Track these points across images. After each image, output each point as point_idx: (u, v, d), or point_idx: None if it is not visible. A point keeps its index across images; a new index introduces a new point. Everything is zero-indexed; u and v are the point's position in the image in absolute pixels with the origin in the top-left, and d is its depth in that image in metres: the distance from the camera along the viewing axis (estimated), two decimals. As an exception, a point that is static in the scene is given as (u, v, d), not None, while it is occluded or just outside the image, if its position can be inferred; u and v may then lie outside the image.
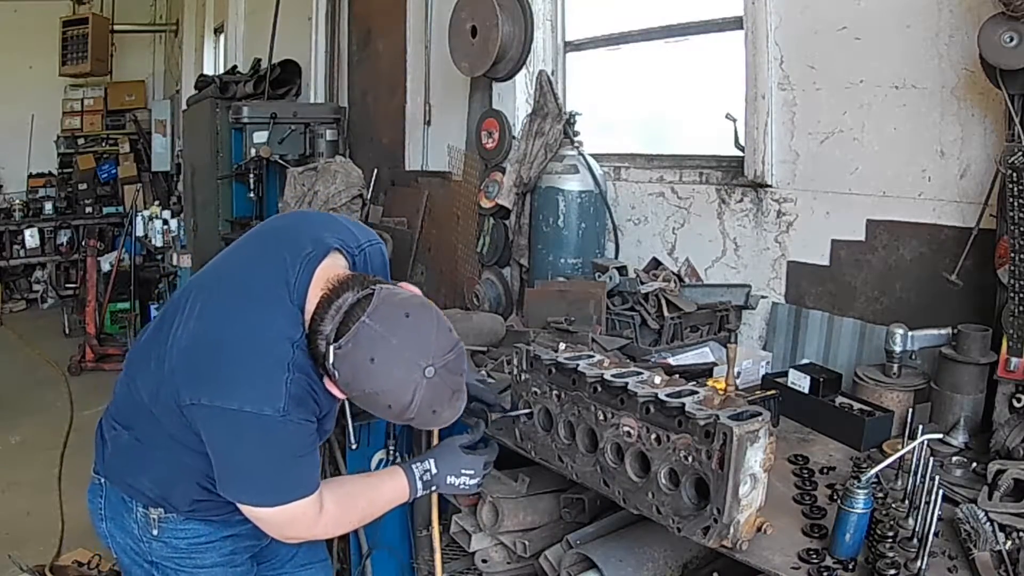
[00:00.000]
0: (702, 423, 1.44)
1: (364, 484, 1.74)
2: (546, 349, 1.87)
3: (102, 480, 1.72)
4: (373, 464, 2.45)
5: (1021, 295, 1.86)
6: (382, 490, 1.71)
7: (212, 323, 1.52)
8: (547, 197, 3.12)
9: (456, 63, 3.77)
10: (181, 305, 1.59)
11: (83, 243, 8.20)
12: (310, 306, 1.49)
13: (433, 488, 1.75)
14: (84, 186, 9.34)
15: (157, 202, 7.93)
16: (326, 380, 1.49)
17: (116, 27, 9.51)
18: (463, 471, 1.75)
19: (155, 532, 1.67)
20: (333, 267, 1.55)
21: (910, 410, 1.87)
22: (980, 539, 1.46)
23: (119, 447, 1.68)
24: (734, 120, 2.78)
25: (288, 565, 1.92)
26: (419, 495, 1.73)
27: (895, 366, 2.09)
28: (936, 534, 1.47)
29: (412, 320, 1.44)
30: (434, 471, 1.73)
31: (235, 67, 6.85)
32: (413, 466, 1.73)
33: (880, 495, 1.63)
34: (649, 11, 3.27)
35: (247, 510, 1.54)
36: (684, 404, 1.48)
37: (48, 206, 8.98)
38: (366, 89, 5.33)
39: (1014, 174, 1.85)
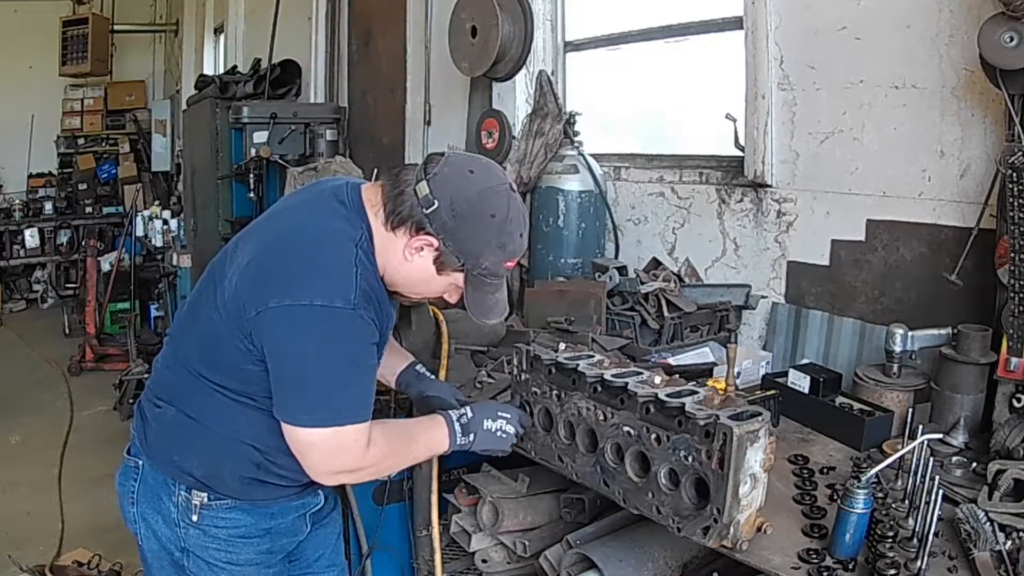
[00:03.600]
0: (702, 423, 1.44)
1: (408, 425, 1.73)
2: (546, 349, 1.87)
3: (139, 462, 1.68)
4: None
5: (1021, 295, 1.86)
6: (425, 432, 1.70)
7: (272, 238, 1.55)
8: (547, 197, 3.12)
9: (456, 63, 3.77)
10: (222, 265, 1.59)
11: (83, 243, 8.20)
12: (368, 205, 1.56)
13: (472, 436, 1.71)
14: (84, 186, 9.33)
15: (157, 202, 7.91)
16: (409, 246, 1.53)
17: (116, 27, 9.51)
18: (500, 414, 1.75)
19: (195, 518, 1.63)
20: (375, 186, 1.61)
21: (910, 410, 1.87)
22: (980, 539, 1.46)
23: (165, 425, 1.64)
24: (734, 120, 2.78)
25: (315, 565, 1.90)
26: (460, 441, 1.70)
27: (895, 366, 2.09)
28: (936, 534, 1.47)
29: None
30: (470, 415, 1.72)
31: (235, 67, 6.85)
32: (450, 412, 1.73)
33: (880, 495, 1.63)
34: (649, 11, 3.28)
35: (299, 437, 1.49)
36: (684, 404, 1.48)
37: (48, 206, 8.97)
38: (366, 89, 5.33)
39: (1014, 174, 1.85)
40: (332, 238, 1.51)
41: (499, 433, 1.75)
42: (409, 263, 1.56)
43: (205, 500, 1.63)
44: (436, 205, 1.50)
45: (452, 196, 1.50)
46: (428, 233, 1.52)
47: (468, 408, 1.75)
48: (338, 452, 1.51)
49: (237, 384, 1.56)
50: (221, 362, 1.56)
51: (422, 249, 1.55)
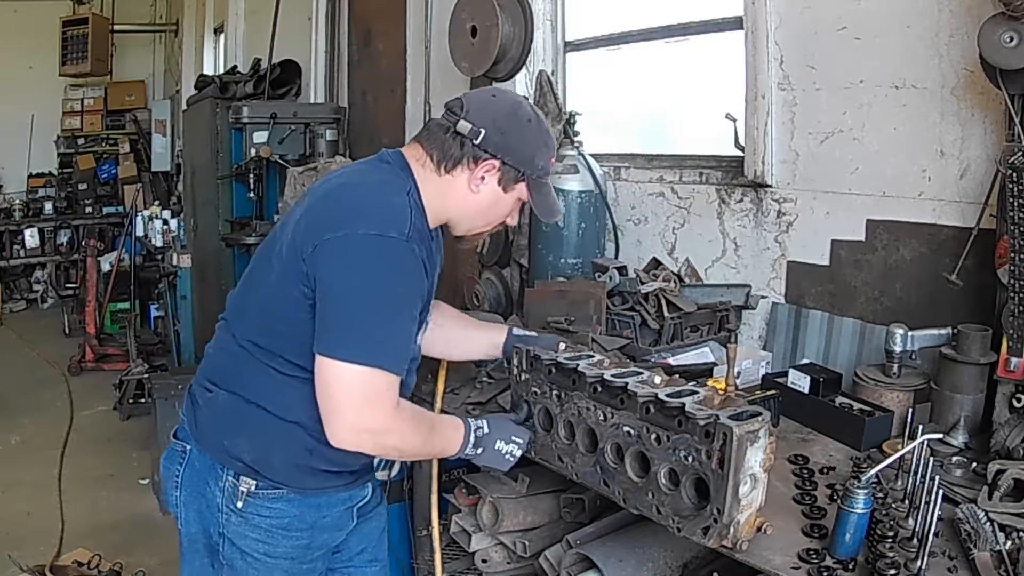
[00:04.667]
0: (702, 423, 1.44)
1: (431, 415, 1.73)
2: (546, 349, 1.87)
3: (187, 447, 1.69)
4: None
5: (1021, 295, 1.86)
6: (445, 428, 1.71)
7: (325, 192, 1.63)
8: (547, 197, 3.11)
9: (456, 63, 3.77)
10: (274, 236, 1.66)
11: (83, 243, 8.20)
12: (412, 160, 1.66)
13: (479, 450, 1.73)
14: (84, 186, 9.33)
15: (157, 202, 7.91)
16: (473, 178, 1.65)
17: (116, 27, 9.51)
18: (514, 437, 1.77)
19: (240, 505, 1.63)
20: (411, 145, 1.71)
21: (910, 410, 1.87)
22: (980, 539, 1.46)
23: (216, 409, 1.65)
24: (734, 120, 2.78)
25: (357, 558, 1.90)
26: (467, 451, 1.72)
27: (895, 366, 2.09)
28: (936, 534, 1.47)
29: None
30: (486, 430, 1.74)
31: (235, 67, 6.85)
32: (469, 420, 1.74)
33: (880, 495, 1.63)
34: (649, 11, 3.27)
35: (333, 371, 1.48)
36: (684, 404, 1.48)
37: (48, 206, 8.97)
38: (366, 89, 5.33)
39: (1014, 174, 1.85)
40: (385, 186, 1.60)
41: (507, 456, 1.77)
42: (476, 194, 1.67)
43: (252, 488, 1.62)
44: (484, 132, 1.62)
45: (492, 119, 1.64)
46: (486, 159, 1.64)
47: (485, 423, 1.76)
48: (368, 400, 1.50)
49: (293, 348, 1.56)
50: (278, 323, 1.57)
51: (483, 177, 1.66)
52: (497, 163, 1.64)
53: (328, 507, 1.71)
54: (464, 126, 1.62)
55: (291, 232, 1.58)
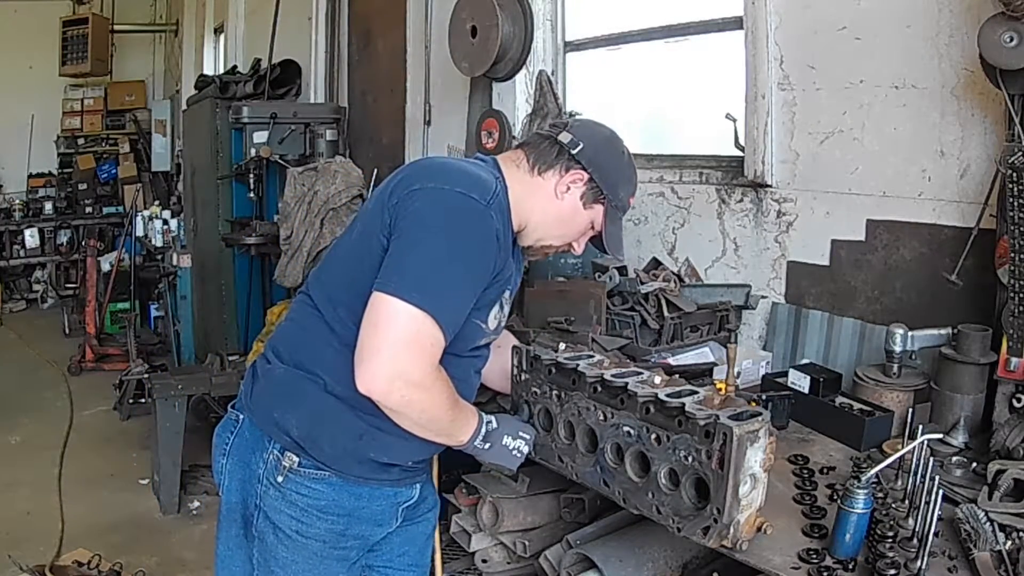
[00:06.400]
0: (702, 423, 1.44)
1: (457, 396, 1.69)
2: (546, 349, 1.87)
3: (240, 416, 1.71)
4: None
5: (1021, 295, 1.86)
6: (462, 411, 1.68)
7: (419, 160, 1.74)
8: (547, 197, 3.11)
9: (456, 63, 3.77)
10: (366, 203, 1.74)
11: (83, 243, 8.19)
12: (507, 162, 1.73)
13: (488, 445, 1.71)
14: (84, 186, 9.32)
15: (157, 202, 7.91)
16: (560, 183, 1.71)
17: (116, 27, 9.51)
18: (520, 433, 1.78)
19: (280, 479, 1.63)
20: (508, 152, 1.79)
21: (910, 410, 1.87)
22: (980, 539, 1.46)
23: (272, 381, 1.67)
24: (734, 120, 2.78)
25: (398, 560, 1.88)
26: (477, 443, 1.70)
27: (895, 366, 2.09)
28: (936, 534, 1.48)
29: None
30: (495, 425, 1.74)
31: (235, 67, 6.85)
32: (481, 413, 1.73)
33: (880, 495, 1.63)
34: (649, 11, 3.28)
35: (385, 303, 1.47)
36: (684, 404, 1.48)
37: (48, 206, 8.95)
38: (366, 89, 5.33)
39: (1014, 174, 1.86)
40: (476, 166, 1.68)
41: (514, 452, 1.76)
42: (559, 201, 1.72)
43: (295, 465, 1.62)
44: (582, 145, 1.71)
45: (592, 137, 1.74)
46: (577, 169, 1.71)
47: (494, 418, 1.76)
48: (410, 345, 1.48)
49: (362, 306, 1.54)
50: (361, 278, 1.55)
51: (569, 187, 1.72)
52: (586, 176, 1.71)
53: (369, 499, 1.68)
54: (565, 136, 1.72)
55: (378, 193, 1.65)
